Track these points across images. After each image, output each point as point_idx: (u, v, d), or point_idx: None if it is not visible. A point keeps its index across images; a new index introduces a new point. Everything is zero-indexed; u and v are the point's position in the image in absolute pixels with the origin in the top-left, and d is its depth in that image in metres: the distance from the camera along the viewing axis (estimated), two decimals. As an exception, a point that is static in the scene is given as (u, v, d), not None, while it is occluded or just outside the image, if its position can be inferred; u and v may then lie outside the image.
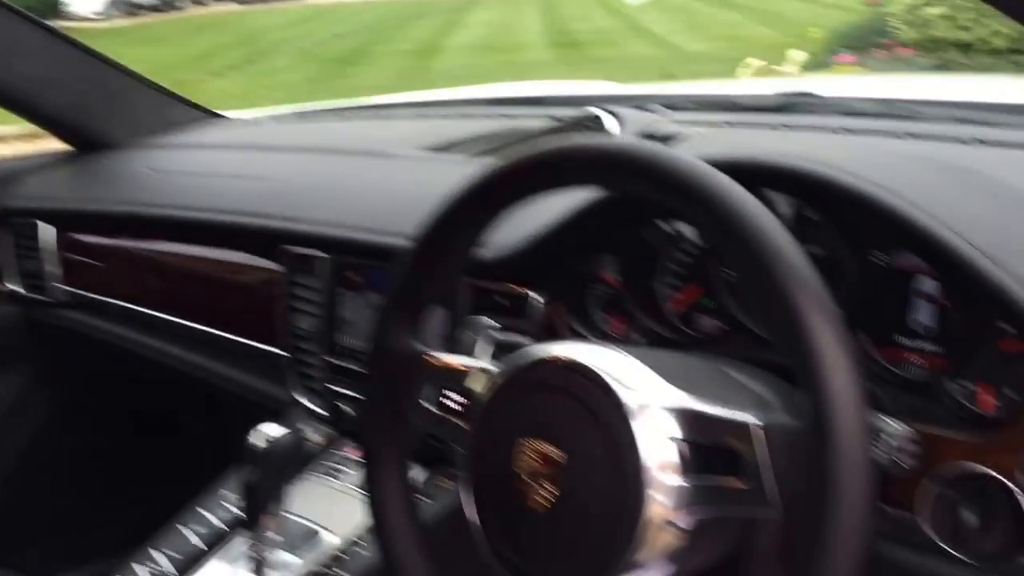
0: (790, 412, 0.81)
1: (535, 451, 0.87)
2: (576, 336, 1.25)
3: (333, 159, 1.76)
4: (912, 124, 1.42)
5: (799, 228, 1.05)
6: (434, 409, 1.00)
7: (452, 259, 1.02)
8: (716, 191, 0.83)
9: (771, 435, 0.79)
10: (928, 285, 1.04)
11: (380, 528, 1.03)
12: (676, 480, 0.82)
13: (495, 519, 0.91)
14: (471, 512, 0.93)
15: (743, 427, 0.80)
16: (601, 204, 1.18)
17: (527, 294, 1.27)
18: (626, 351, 0.91)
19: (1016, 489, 0.91)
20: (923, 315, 1.05)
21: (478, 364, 0.98)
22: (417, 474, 1.37)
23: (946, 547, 0.95)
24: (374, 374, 1.04)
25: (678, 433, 0.83)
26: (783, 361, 0.97)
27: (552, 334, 1.23)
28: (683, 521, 0.83)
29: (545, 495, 0.86)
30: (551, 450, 0.86)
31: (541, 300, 1.27)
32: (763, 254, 0.80)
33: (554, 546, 0.87)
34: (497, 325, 1.06)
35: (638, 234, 1.23)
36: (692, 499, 0.82)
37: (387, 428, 1.04)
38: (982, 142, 1.29)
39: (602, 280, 1.27)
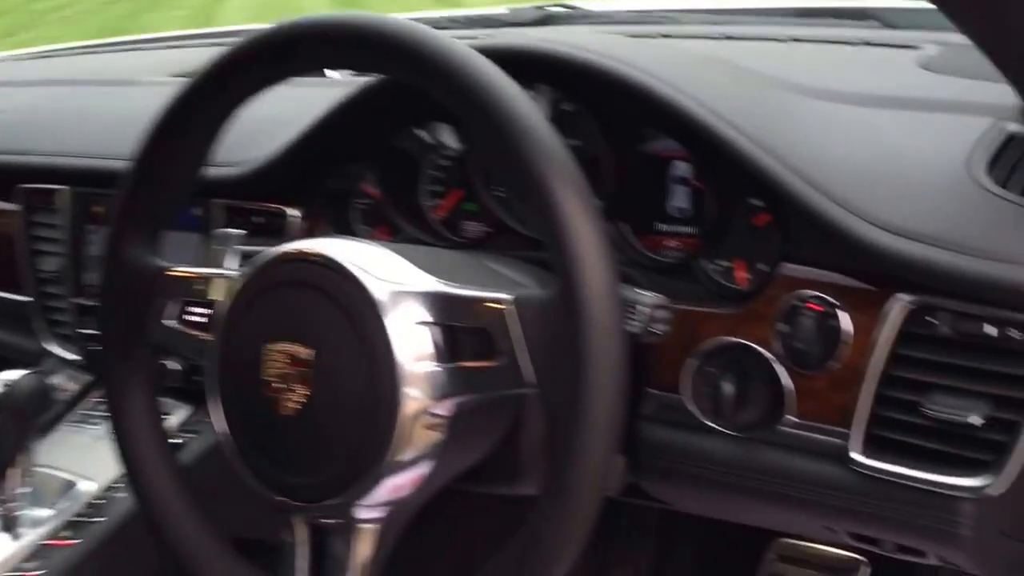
0: (542, 288, 0.78)
1: (282, 352, 0.81)
2: None
3: (73, 90, 1.63)
4: (667, 27, 1.44)
5: (557, 122, 1.03)
6: (178, 326, 0.93)
7: (182, 163, 0.93)
8: (471, 69, 0.78)
9: (523, 310, 0.76)
10: (683, 169, 1.04)
11: (128, 461, 0.95)
12: (430, 367, 0.78)
13: (247, 432, 0.85)
14: (221, 427, 0.87)
15: (494, 304, 0.77)
16: (352, 111, 1.13)
17: (284, 211, 1.20)
18: (376, 243, 0.87)
19: (771, 357, 0.92)
20: (679, 199, 1.05)
21: (218, 271, 0.91)
22: (181, 414, 1.30)
23: (709, 422, 0.96)
24: (109, 296, 0.95)
25: (429, 318, 0.79)
26: (543, 256, 0.96)
27: None
28: (442, 410, 0.79)
29: (296, 398, 0.81)
30: (298, 349, 0.81)
31: (299, 215, 1.21)
32: (513, 130, 0.76)
33: (311, 451, 0.82)
34: (243, 232, 0.99)
35: (395, 143, 1.18)
36: (448, 385, 0.78)
37: (128, 354, 0.95)
38: (730, 38, 1.32)
39: (362, 192, 1.22)
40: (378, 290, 0.79)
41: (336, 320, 0.80)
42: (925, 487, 0.85)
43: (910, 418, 0.86)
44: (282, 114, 1.16)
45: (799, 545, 1.62)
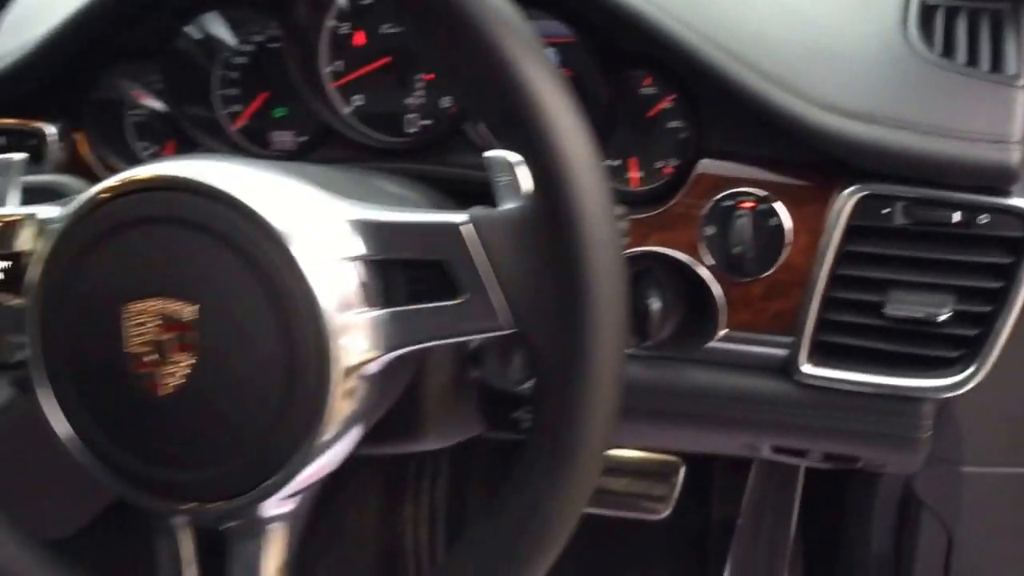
0: (499, 202, 0.62)
1: (152, 313, 0.60)
2: (109, 170, 0.96)
3: None
4: None
5: None
6: None
7: None
8: None
9: (485, 233, 0.59)
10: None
11: None
12: (372, 314, 0.60)
13: (104, 423, 0.63)
14: (58, 419, 0.64)
15: (449, 229, 0.59)
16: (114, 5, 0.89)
17: (41, 129, 0.94)
18: (241, 159, 0.66)
19: (696, 263, 0.82)
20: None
21: (22, 211, 0.67)
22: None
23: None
24: None
25: (362, 251, 0.61)
26: (423, 169, 0.79)
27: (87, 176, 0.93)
28: (379, 365, 0.62)
29: (178, 372, 0.60)
30: (175, 307, 0.60)
31: (55, 132, 0.94)
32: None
33: (201, 438, 0.61)
34: (26, 157, 0.74)
35: (171, 44, 0.95)
36: (398, 334, 0.61)
37: None
38: None
39: (137, 102, 0.97)
40: (281, 220, 0.59)
41: (225, 263, 0.59)
42: (885, 392, 0.79)
43: (865, 320, 0.78)
44: None
45: (612, 456, 1.57)
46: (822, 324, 0.79)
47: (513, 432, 0.74)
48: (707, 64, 0.77)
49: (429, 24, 0.57)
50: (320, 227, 0.60)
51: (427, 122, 0.93)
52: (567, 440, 0.58)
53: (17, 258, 0.65)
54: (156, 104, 0.97)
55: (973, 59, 0.79)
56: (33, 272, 0.63)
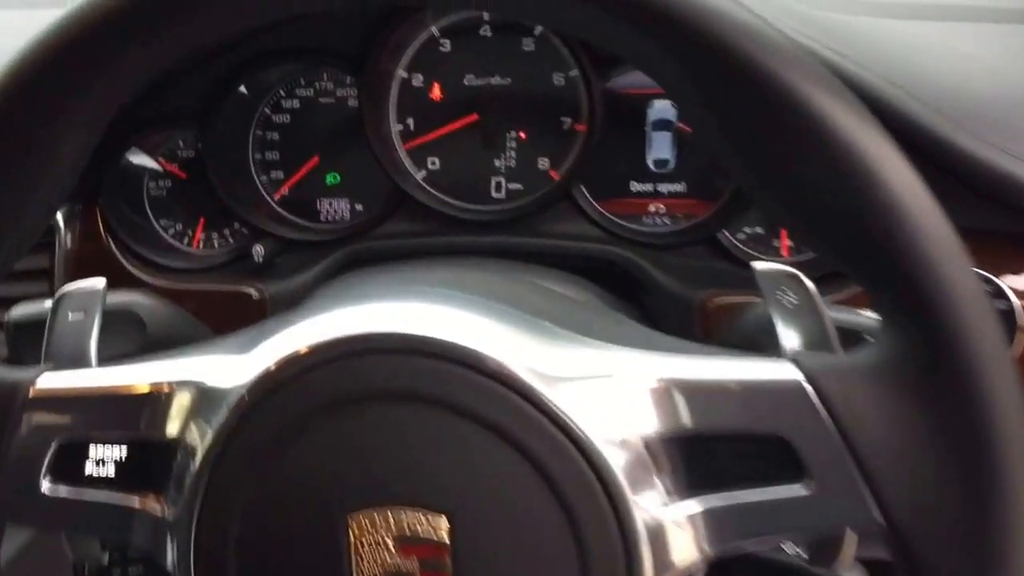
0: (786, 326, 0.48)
1: (385, 528, 0.44)
2: (132, 256, 0.77)
3: None
4: None
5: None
6: (76, 494, 0.48)
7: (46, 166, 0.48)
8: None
9: (830, 388, 0.44)
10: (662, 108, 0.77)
11: None
12: (678, 505, 0.45)
13: None
14: None
15: (789, 387, 0.44)
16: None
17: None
18: (457, 297, 0.49)
19: None
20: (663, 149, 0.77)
21: (177, 377, 0.48)
22: None
23: None
24: None
25: (671, 424, 0.45)
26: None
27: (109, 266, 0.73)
28: (702, 570, 0.47)
29: None
30: (417, 519, 0.44)
31: (61, 214, 0.75)
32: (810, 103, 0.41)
33: None
34: (103, 284, 0.54)
35: (214, 106, 0.76)
36: (717, 531, 0.46)
37: None
38: None
39: (162, 171, 0.79)
40: (554, 387, 0.44)
41: (487, 455, 0.43)
42: None
43: None
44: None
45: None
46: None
47: None
48: (923, 128, 0.65)
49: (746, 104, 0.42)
50: (612, 395, 0.45)
51: (516, 186, 0.78)
52: None
53: (161, 446, 0.47)
54: (182, 175, 0.78)
55: None
56: (186, 466, 0.45)
